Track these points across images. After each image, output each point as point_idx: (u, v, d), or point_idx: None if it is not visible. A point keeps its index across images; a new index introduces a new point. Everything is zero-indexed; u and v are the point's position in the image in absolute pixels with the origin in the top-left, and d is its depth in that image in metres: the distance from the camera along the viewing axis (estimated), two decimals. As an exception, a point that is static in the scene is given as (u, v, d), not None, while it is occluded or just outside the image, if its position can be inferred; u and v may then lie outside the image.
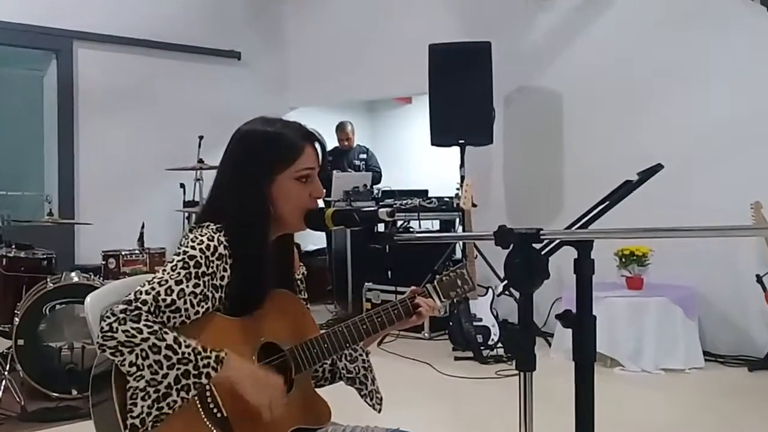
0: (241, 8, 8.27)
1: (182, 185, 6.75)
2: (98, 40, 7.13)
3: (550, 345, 5.56)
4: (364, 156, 8.30)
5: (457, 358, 5.52)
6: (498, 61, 6.21)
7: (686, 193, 5.47)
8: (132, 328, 1.58)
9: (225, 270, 1.73)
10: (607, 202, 1.58)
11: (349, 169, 8.08)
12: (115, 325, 1.57)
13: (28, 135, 7.47)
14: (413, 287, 2.00)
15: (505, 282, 1.51)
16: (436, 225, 7.30)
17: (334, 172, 7.70)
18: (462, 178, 6.19)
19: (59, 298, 4.46)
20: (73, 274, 4.66)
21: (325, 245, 8.28)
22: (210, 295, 1.70)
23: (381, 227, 6.72)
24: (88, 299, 1.92)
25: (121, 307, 1.60)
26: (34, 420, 4.08)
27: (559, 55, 6.48)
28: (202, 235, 1.73)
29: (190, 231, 1.79)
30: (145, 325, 1.59)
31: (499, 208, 6.77)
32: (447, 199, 6.67)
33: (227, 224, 1.77)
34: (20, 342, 4.36)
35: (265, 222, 1.82)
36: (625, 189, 1.75)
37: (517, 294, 1.50)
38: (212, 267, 1.70)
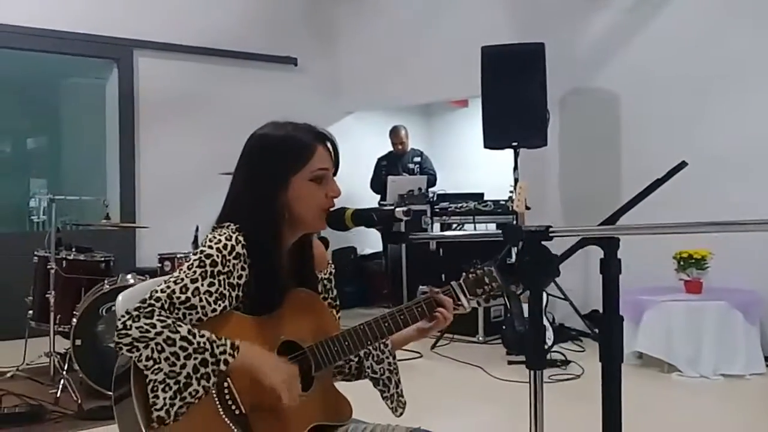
0: (297, 14, 8.37)
1: (238, 189, 6.86)
2: (157, 48, 7.32)
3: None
4: (418, 159, 8.32)
5: (510, 362, 5.47)
6: (552, 62, 6.13)
7: (748, 193, 5.34)
8: (146, 324, 1.63)
9: (243, 269, 1.77)
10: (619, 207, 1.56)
11: (404, 173, 8.11)
12: (129, 322, 1.63)
13: (92, 142, 7.71)
14: (431, 287, 2.00)
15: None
16: (492, 228, 7.26)
17: (389, 176, 7.75)
18: (515, 180, 6.14)
19: (115, 299, 4.56)
20: (128, 276, 4.79)
21: (381, 249, 8.32)
22: (227, 293, 1.73)
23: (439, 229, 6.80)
24: (119, 297, 1.99)
25: (136, 305, 1.66)
26: (90, 418, 4.16)
27: (616, 54, 6.38)
28: (220, 235, 1.77)
29: (212, 231, 1.83)
30: (158, 320, 1.63)
31: (555, 211, 6.69)
32: (503, 202, 6.64)
33: (245, 226, 1.81)
34: (78, 342, 4.51)
35: (279, 226, 1.85)
36: (650, 187, 1.73)
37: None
38: (229, 266, 1.74)
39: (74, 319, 4.57)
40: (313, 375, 1.85)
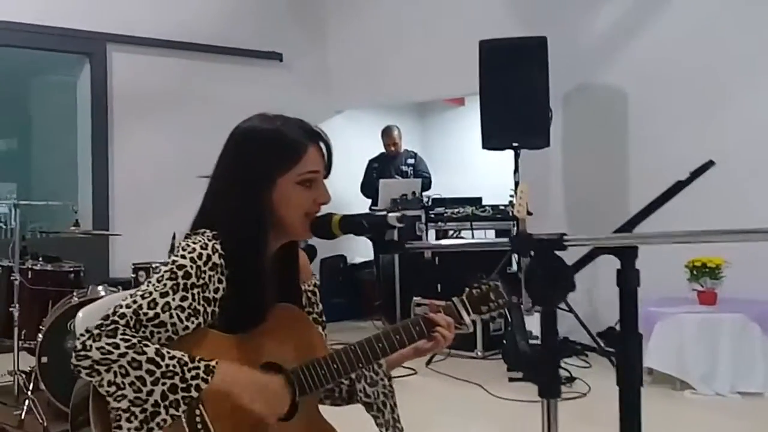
0: (282, 6, 8.28)
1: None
2: (133, 43, 7.20)
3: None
4: (411, 161, 8.27)
5: (511, 380, 5.38)
6: (555, 56, 6.07)
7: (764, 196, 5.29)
8: (107, 344, 1.53)
9: (220, 282, 1.68)
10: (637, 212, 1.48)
11: (397, 176, 8.05)
12: (89, 342, 1.53)
13: (62, 143, 7.60)
14: (432, 301, 1.91)
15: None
16: (491, 234, 7.18)
17: (381, 180, 7.67)
18: (516, 184, 6.07)
19: (85, 313, 4.46)
20: (99, 287, 4.68)
21: (372, 257, 8.23)
22: (201, 309, 1.64)
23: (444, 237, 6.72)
24: (79, 314, 1.88)
25: (97, 322, 1.56)
26: (56, 442, 4.10)
27: (623, 49, 6.33)
28: (195, 243, 1.68)
29: (185, 238, 1.73)
30: (122, 340, 1.54)
31: (558, 216, 6.63)
32: (502, 207, 6.59)
33: (223, 231, 1.71)
34: (44, 360, 4.39)
35: (264, 230, 1.76)
36: (673, 189, 1.65)
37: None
38: (204, 278, 1.64)
39: (40, 335, 4.46)
40: (296, 401, 1.75)
